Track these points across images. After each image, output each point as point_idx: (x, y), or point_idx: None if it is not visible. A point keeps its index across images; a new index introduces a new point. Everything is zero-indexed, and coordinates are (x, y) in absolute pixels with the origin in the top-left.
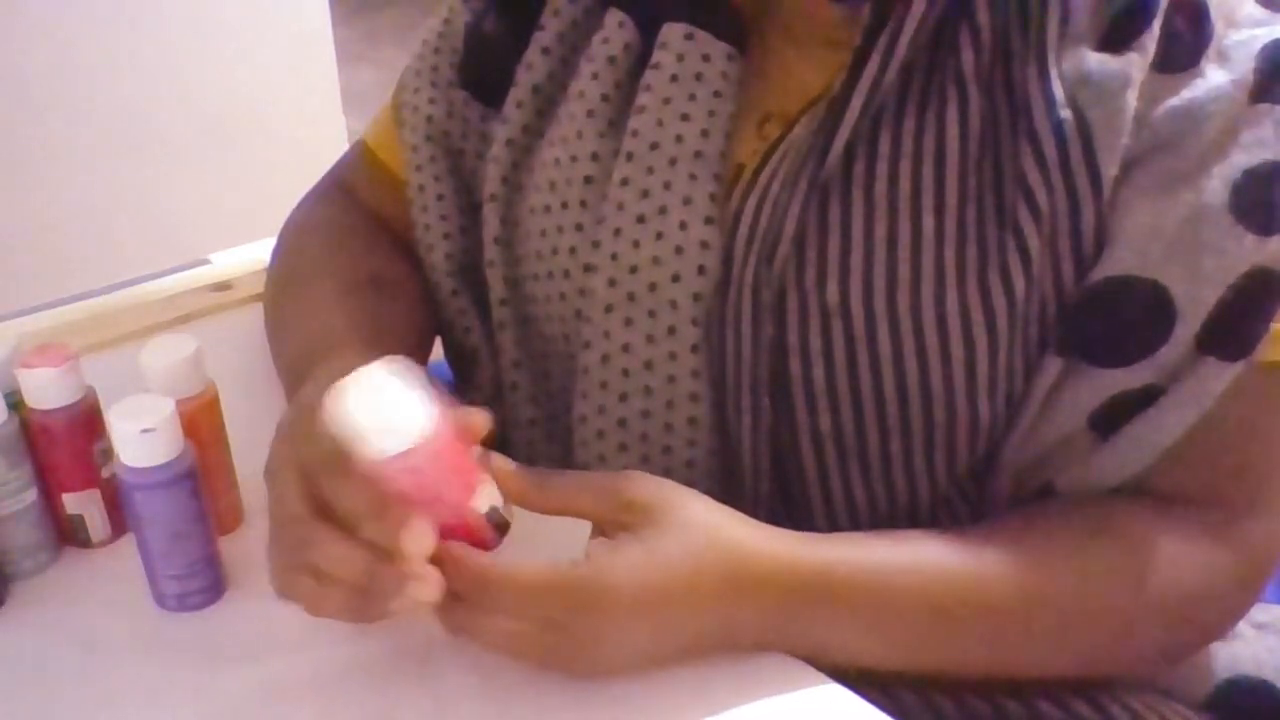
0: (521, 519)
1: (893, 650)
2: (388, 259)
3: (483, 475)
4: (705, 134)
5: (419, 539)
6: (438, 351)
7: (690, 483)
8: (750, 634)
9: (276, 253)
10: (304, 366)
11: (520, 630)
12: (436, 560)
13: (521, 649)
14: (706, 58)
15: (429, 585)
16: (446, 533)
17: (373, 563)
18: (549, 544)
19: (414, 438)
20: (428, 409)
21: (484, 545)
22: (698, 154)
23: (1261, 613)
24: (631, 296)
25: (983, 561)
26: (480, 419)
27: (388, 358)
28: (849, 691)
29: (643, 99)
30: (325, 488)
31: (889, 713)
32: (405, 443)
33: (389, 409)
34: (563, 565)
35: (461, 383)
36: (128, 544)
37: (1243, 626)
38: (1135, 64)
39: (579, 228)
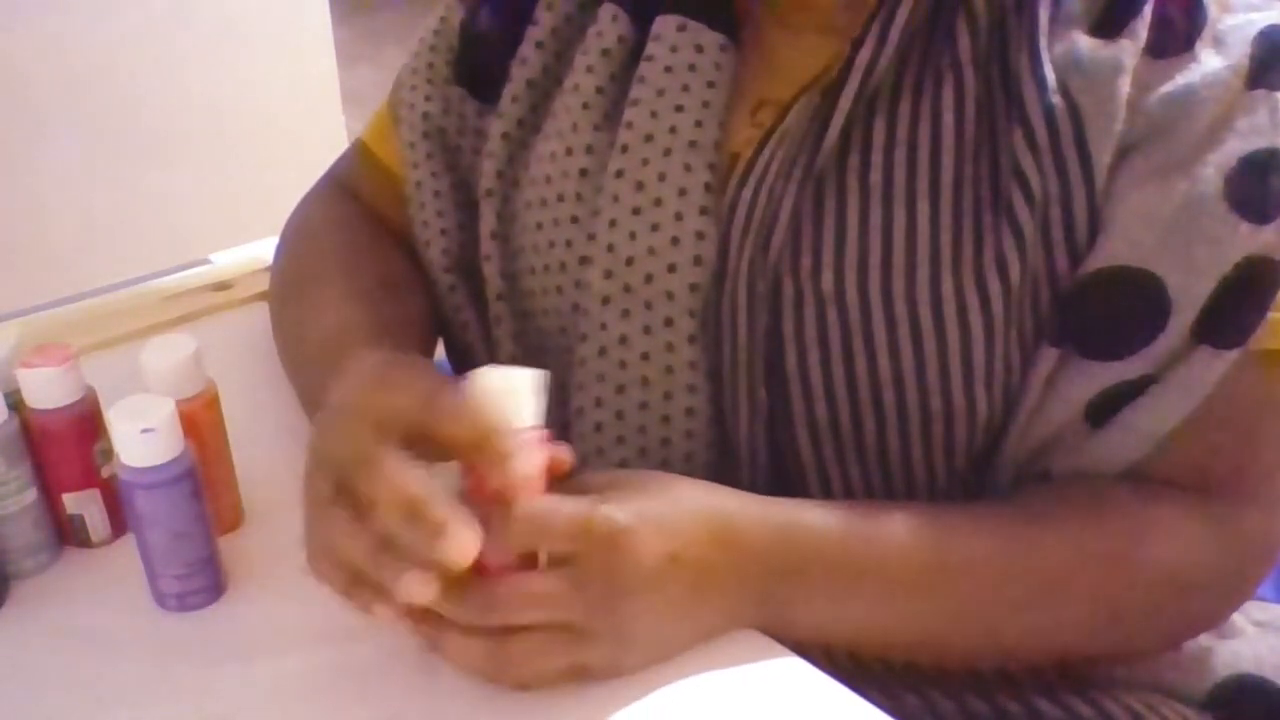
0: None
1: (877, 617)
2: (393, 258)
3: None
4: (699, 124)
5: (458, 547)
6: (439, 351)
7: (688, 475)
8: (742, 599)
9: (280, 253)
10: (326, 362)
11: (548, 635)
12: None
13: (546, 658)
14: (699, 48)
15: (423, 584)
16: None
17: (377, 548)
18: None
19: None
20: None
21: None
22: (692, 144)
23: (1261, 611)
24: (628, 288)
25: (970, 528)
26: (567, 455)
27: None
28: (810, 665)
29: (636, 91)
30: (359, 481)
31: (890, 713)
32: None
33: (516, 397)
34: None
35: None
36: (128, 544)
37: (1243, 624)
38: (1127, 50)
39: (575, 220)
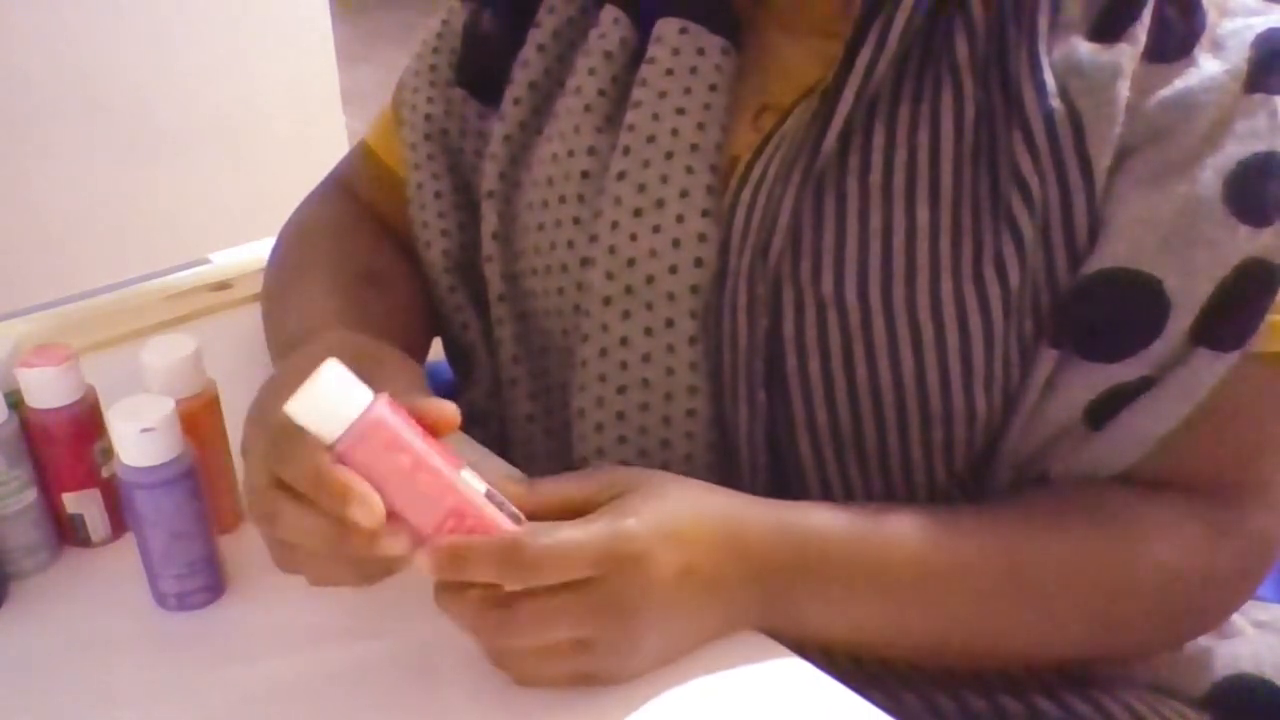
0: None
1: (879, 619)
2: (384, 255)
3: (466, 468)
4: (701, 127)
5: (367, 510)
6: (438, 351)
7: (688, 475)
8: (748, 604)
9: (274, 252)
10: (289, 354)
11: (553, 644)
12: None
13: (554, 663)
14: (701, 51)
15: (398, 540)
16: (453, 527)
17: (336, 528)
18: None
19: (345, 423)
20: (363, 398)
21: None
22: (694, 147)
23: (1261, 611)
24: (629, 290)
25: (971, 531)
26: (446, 409)
27: (334, 358)
28: (810, 665)
29: (638, 94)
30: (275, 468)
31: (889, 712)
32: (338, 429)
33: (324, 399)
34: (578, 523)
35: (460, 380)
36: (128, 544)
37: (1242, 624)
38: (1126, 54)
39: (576, 222)
